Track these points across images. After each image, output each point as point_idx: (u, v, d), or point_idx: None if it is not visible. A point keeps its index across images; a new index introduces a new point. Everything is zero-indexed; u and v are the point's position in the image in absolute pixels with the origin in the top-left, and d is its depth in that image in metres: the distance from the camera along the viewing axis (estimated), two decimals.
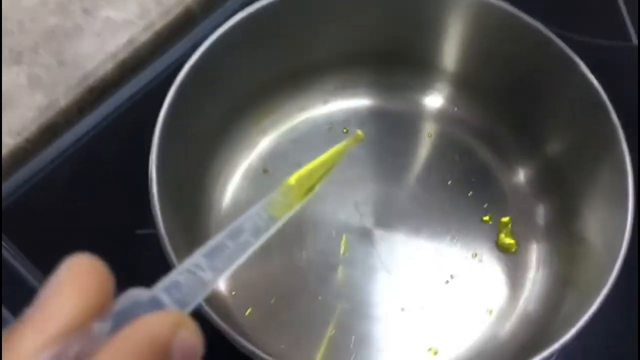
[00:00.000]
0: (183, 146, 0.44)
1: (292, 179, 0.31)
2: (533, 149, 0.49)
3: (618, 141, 0.39)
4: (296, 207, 0.30)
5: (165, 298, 0.21)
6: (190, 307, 0.22)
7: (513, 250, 0.48)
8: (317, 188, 0.32)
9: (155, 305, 0.20)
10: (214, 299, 0.43)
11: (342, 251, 0.47)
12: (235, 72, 0.47)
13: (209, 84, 0.45)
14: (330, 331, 0.45)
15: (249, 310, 0.45)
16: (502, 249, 0.48)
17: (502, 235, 0.48)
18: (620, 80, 0.48)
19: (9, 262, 0.46)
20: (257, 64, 0.48)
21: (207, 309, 0.35)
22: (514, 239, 0.48)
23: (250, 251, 0.26)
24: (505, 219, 0.49)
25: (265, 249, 0.46)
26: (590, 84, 0.41)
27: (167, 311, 0.20)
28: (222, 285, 0.46)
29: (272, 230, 0.28)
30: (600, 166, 0.42)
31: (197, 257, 0.23)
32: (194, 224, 0.46)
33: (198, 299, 0.22)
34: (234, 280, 0.46)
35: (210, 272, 0.23)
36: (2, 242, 0.46)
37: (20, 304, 0.19)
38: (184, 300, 0.21)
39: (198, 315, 0.34)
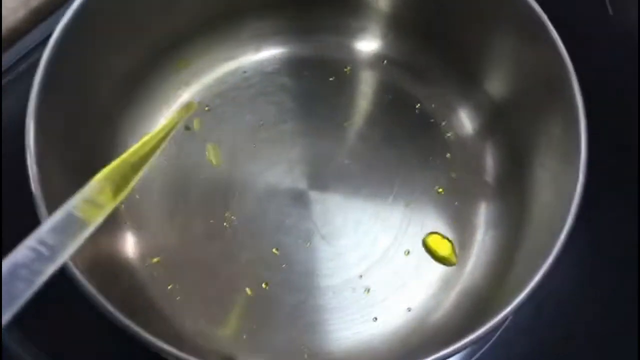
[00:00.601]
0: (80, 98, 0.38)
1: (100, 176, 0.27)
2: (479, 97, 0.44)
3: (567, 78, 0.34)
4: (108, 210, 0.26)
5: None
6: None
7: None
8: (132, 183, 0.28)
9: None
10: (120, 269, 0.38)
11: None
12: (145, 15, 0.41)
13: (111, 27, 0.39)
14: (258, 304, 0.40)
15: (169, 285, 0.40)
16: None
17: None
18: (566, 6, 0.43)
19: None
20: (173, 4, 0.42)
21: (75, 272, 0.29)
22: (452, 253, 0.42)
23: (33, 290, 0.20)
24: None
25: (185, 212, 0.43)
26: (532, 11, 0.36)
27: None
28: (136, 254, 0.41)
29: (77, 244, 0.23)
30: (549, 111, 0.37)
31: None
32: None
33: None
34: (149, 248, 0.41)
35: None
36: None
37: None
38: None
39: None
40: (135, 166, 0.28)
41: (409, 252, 0.42)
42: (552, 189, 0.36)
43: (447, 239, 0.42)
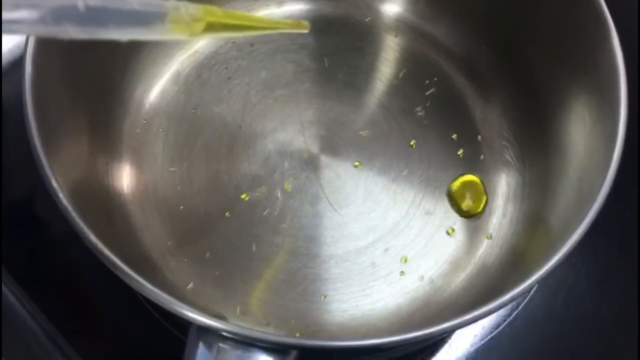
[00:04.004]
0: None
1: (206, 9, 0.24)
2: (508, 69, 0.41)
3: (610, 49, 0.31)
4: (179, 33, 0.23)
5: None
6: None
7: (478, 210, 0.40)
8: (219, 34, 0.25)
9: None
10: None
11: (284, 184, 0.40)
12: None
13: None
14: (254, 266, 0.38)
15: (163, 236, 0.38)
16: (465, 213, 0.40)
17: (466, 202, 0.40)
18: None
19: None
20: None
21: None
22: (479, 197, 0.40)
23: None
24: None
25: (189, 161, 0.40)
26: None
27: None
28: (132, 197, 0.39)
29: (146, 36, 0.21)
30: (587, 82, 0.34)
31: None
32: (100, 129, 0.38)
33: None
34: (147, 194, 0.39)
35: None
36: None
37: None
38: None
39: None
40: (230, 24, 0.25)
41: (418, 229, 0.40)
42: (580, 170, 0.34)
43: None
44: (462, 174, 0.41)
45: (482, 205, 0.40)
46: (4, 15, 0.18)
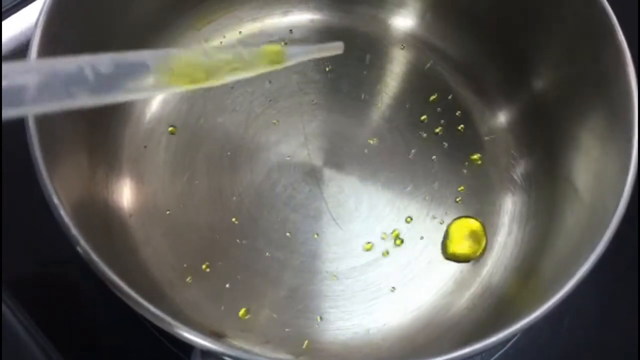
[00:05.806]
0: (89, 42, 0.35)
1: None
2: (517, 88, 0.41)
3: (624, 71, 0.31)
4: (175, 87, 0.23)
5: None
6: None
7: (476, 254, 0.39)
8: (206, 84, 0.24)
9: None
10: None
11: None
12: None
13: None
14: (255, 282, 0.37)
15: (164, 251, 0.37)
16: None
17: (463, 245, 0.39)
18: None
19: None
20: None
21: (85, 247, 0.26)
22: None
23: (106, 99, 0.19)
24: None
25: (190, 173, 0.39)
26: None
27: None
28: (132, 211, 0.38)
29: (128, 95, 0.21)
30: (599, 103, 0.34)
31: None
32: (100, 139, 0.37)
33: None
34: (148, 207, 0.38)
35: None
36: None
37: None
38: None
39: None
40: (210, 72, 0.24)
41: (423, 246, 0.39)
42: (592, 188, 0.33)
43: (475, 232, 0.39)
44: (460, 217, 0.40)
45: (481, 249, 0.39)
46: None
